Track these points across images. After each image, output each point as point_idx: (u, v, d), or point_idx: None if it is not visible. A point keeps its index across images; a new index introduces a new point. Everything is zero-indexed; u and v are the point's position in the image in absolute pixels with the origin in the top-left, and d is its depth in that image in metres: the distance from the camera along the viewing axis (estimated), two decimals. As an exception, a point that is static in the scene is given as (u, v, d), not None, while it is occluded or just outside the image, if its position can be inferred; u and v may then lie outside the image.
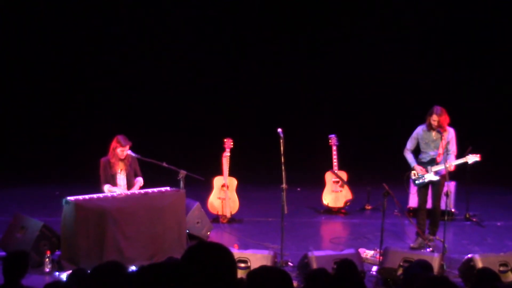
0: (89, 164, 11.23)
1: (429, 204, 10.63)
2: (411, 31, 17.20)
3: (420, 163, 10.39)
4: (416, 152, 10.54)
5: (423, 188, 10.42)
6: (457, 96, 16.39)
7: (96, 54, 17.17)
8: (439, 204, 10.33)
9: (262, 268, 4.28)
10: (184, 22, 17.29)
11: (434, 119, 10.12)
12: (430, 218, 10.47)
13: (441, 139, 10.14)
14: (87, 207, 9.04)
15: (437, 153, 10.22)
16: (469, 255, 8.72)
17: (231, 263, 3.72)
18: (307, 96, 17.57)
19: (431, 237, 10.31)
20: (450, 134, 10.20)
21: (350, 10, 17.25)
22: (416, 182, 10.37)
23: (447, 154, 10.10)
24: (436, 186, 10.32)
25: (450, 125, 10.22)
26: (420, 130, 10.38)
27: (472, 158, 10.20)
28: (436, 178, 10.25)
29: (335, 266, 8.39)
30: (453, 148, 10.20)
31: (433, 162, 10.26)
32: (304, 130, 16.27)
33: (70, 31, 17.05)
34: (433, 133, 10.24)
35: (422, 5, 17.12)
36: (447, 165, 9.97)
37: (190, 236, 10.16)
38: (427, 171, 10.28)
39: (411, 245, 10.39)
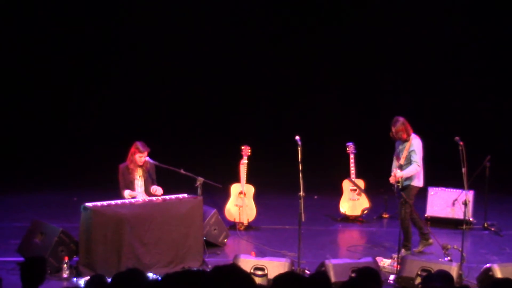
0: (107, 170, 11.27)
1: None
2: (432, 39, 17.10)
3: None
4: None
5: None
6: (478, 104, 16.32)
7: (116, 62, 17.25)
8: (401, 214, 10.16)
9: (288, 274, 4.26)
10: (203, 28, 17.32)
11: (391, 129, 10.21)
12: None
13: (405, 149, 10.14)
14: (104, 214, 9.08)
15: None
16: (488, 265, 8.70)
17: None
18: (325, 103, 17.52)
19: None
20: (413, 144, 10.15)
21: (376, 20, 17.18)
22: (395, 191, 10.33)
23: (410, 164, 10.08)
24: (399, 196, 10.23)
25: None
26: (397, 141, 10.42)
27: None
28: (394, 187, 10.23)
29: (352, 274, 8.37)
30: (414, 157, 10.12)
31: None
32: (321, 137, 16.22)
33: (92, 35, 17.16)
34: (401, 144, 10.26)
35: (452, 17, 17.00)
36: (393, 174, 10.07)
37: (207, 243, 10.18)
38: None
39: (415, 249, 10.40)
